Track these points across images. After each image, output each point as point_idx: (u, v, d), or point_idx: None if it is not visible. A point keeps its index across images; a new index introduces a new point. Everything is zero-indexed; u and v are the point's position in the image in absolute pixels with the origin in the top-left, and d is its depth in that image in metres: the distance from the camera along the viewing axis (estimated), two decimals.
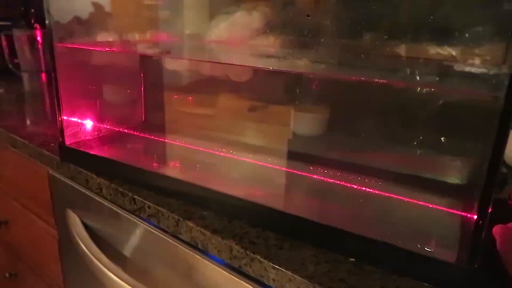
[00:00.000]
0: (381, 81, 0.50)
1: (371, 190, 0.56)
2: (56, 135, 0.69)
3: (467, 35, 0.46)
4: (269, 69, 0.66)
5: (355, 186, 0.57)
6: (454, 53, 0.48)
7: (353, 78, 0.53)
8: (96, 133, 0.72)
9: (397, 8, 0.51)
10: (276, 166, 0.67)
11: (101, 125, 0.73)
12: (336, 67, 0.57)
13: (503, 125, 0.34)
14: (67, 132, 0.68)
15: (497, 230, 0.38)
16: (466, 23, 0.45)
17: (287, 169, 0.66)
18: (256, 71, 0.72)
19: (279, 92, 0.75)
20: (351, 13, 0.55)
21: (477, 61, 0.46)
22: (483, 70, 0.46)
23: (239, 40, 0.72)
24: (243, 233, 0.48)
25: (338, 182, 0.59)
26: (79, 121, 0.71)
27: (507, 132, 0.34)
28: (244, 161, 0.69)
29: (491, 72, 0.45)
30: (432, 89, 0.55)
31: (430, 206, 0.52)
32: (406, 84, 0.52)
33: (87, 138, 0.70)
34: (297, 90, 0.73)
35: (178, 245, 0.54)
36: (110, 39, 0.78)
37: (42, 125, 0.89)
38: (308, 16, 0.54)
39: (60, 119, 0.66)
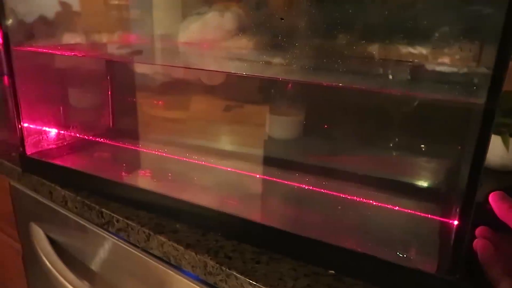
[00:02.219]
0: (355, 86, 0.49)
1: (349, 197, 0.55)
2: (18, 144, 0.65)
3: (437, 35, 0.45)
4: (242, 74, 0.63)
5: (333, 193, 0.56)
6: (425, 52, 0.47)
7: (327, 84, 0.51)
8: (60, 141, 0.68)
9: (370, 9, 0.50)
10: (252, 173, 0.65)
11: (66, 133, 0.69)
12: (310, 70, 0.56)
13: (485, 127, 0.33)
14: (28, 141, 0.63)
15: (478, 243, 0.37)
16: (436, 23, 0.44)
17: (262, 176, 0.64)
18: (229, 74, 0.70)
19: (254, 92, 0.73)
20: (324, 15, 0.53)
21: (447, 60, 0.46)
22: (455, 70, 0.46)
23: (211, 42, 0.70)
24: (218, 246, 0.46)
25: (315, 188, 0.57)
26: (42, 128, 0.67)
27: (489, 134, 0.33)
28: (219, 168, 0.67)
29: (462, 72, 0.45)
30: (407, 92, 0.54)
31: (409, 212, 0.51)
32: (380, 88, 0.51)
33: (51, 147, 0.66)
34: (272, 93, 0.71)
35: (149, 260, 0.51)
36: (77, 40, 0.74)
37: (3, 133, 0.84)
38: (282, 19, 0.52)
39: (19, 127, 0.62)
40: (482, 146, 0.33)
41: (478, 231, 0.39)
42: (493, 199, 0.38)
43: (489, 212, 0.38)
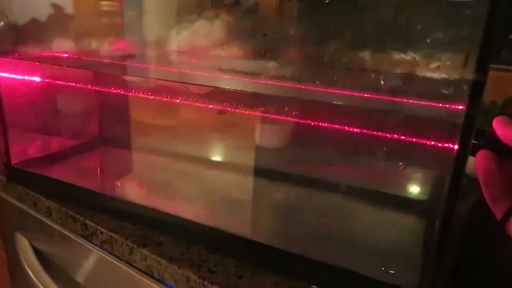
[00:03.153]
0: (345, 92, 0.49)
1: (337, 206, 0.55)
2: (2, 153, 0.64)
3: (427, 41, 0.45)
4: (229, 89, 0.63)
5: (320, 202, 0.56)
6: (417, 58, 0.47)
7: (316, 99, 0.51)
8: (46, 150, 0.67)
9: (361, 16, 0.50)
10: (239, 182, 0.64)
11: (52, 141, 0.68)
12: (300, 79, 0.56)
13: (465, 134, 0.32)
14: (13, 150, 0.63)
15: (479, 164, 0.35)
16: (423, 31, 0.45)
17: (250, 185, 0.64)
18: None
19: (243, 101, 0.72)
20: (316, 22, 0.54)
21: (436, 67, 0.46)
22: (445, 77, 0.46)
23: (201, 50, 0.69)
24: (201, 260, 0.45)
25: (301, 199, 0.57)
26: (28, 137, 0.66)
27: (468, 142, 0.33)
28: (207, 176, 0.66)
29: (451, 79, 0.45)
30: (395, 101, 0.54)
31: (395, 224, 0.51)
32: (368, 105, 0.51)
33: (36, 156, 0.66)
34: (261, 103, 0.71)
35: (133, 272, 0.50)
36: (68, 45, 0.73)
37: None
38: (265, 35, 0.52)
39: (4, 136, 0.61)
40: (463, 154, 0.33)
41: (480, 154, 0.37)
42: (497, 124, 0.36)
43: (491, 137, 0.37)
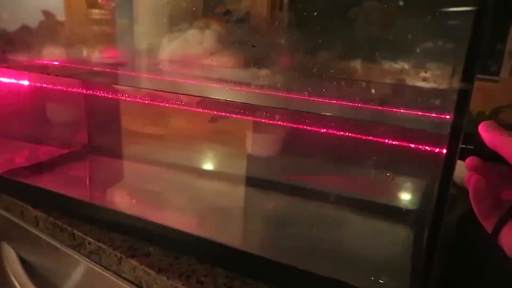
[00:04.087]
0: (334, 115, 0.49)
1: (327, 215, 0.55)
2: None
3: (417, 51, 0.46)
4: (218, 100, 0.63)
5: (309, 212, 0.56)
6: (406, 67, 0.48)
7: (306, 109, 0.51)
8: (33, 159, 0.67)
9: (351, 27, 0.51)
10: (229, 191, 0.64)
11: (40, 150, 0.68)
12: (290, 89, 0.56)
13: (452, 144, 0.33)
14: (0, 159, 0.62)
15: (469, 179, 0.36)
16: (413, 42, 0.45)
17: (240, 195, 0.64)
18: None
19: (234, 110, 0.72)
20: (305, 32, 0.54)
21: (424, 77, 0.46)
22: (433, 86, 0.46)
23: (192, 60, 0.69)
24: (190, 271, 0.45)
25: (292, 208, 0.57)
26: (15, 145, 0.65)
27: (455, 151, 0.33)
28: (196, 185, 0.66)
29: (440, 88, 0.46)
30: (384, 111, 0.55)
31: (385, 233, 0.51)
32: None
33: (23, 165, 0.65)
34: (252, 113, 0.71)
35: (122, 283, 0.50)
36: (58, 52, 0.73)
37: None
38: (254, 46, 0.52)
39: None
40: (449, 165, 0.33)
41: (468, 161, 0.37)
42: (483, 129, 0.37)
43: (478, 142, 0.37)
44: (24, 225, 0.61)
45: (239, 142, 0.71)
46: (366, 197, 0.57)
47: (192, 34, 0.70)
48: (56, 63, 0.70)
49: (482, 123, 0.36)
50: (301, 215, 0.56)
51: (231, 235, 0.52)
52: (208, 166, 0.73)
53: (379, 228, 0.52)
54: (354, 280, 0.40)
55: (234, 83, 0.61)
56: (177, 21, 0.72)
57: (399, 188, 0.58)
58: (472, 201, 0.35)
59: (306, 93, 0.53)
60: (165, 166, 0.70)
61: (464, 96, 0.31)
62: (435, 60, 0.46)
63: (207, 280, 0.43)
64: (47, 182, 0.63)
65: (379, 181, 0.59)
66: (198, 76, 0.68)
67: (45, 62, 0.70)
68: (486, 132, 0.35)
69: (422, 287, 0.36)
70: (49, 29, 0.72)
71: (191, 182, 0.67)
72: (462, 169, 0.36)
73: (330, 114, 0.47)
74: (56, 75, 0.63)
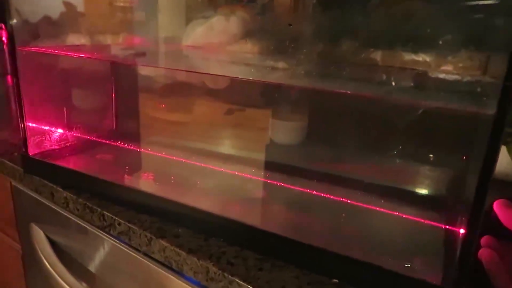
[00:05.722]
0: (359, 93, 0.49)
1: (353, 203, 0.54)
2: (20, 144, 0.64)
3: (441, 43, 0.45)
4: (246, 79, 0.63)
5: (336, 199, 0.55)
6: (429, 59, 0.47)
7: (330, 90, 0.51)
8: (63, 142, 0.68)
9: (375, 16, 0.50)
10: (255, 177, 0.64)
11: (69, 134, 0.69)
12: (314, 76, 0.55)
13: (494, 138, 0.32)
14: (31, 141, 0.63)
15: (483, 253, 0.37)
16: (442, 32, 0.44)
17: (266, 180, 0.64)
18: (234, 78, 0.69)
19: (258, 96, 0.72)
20: (329, 21, 0.53)
21: (451, 68, 0.45)
22: (460, 78, 0.45)
23: (216, 46, 0.69)
24: (220, 252, 0.45)
25: (319, 194, 0.57)
26: (45, 129, 0.66)
27: (498, 145, 0.32)
28: (222, 171, 0.66)
29: (467, 81, 0.45)
30: (411, 100, 0.54)
31: (414, 220, 0.50)
32: (383, 95, 0.51)
33: (54, 147, 0.66)
34: (276, 97, 0.71)
35: (150, 264, 0.51)
36: (82, 41, 0.74)
37: (6, 132, 0.84)
38: (290, 25, 0.52)
39: (22, 127, 0.61)
40: (492, 158, 0.32)
41: (483, 240, 0.39)
42: (498, 207, 0.37)
43: (493, 220, 0.38)
44: (53, 206, 0.63)
45: (262, 130, 0.72)
46: (395, 184, 0.56)
47: (217, 20, 0.70)
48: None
49: (497, 201, 0.37)
50: (329, 201, 0.56)
51: (259, 219, 0.53)
52: (231, 151, 0.73)
53: (410, 214, 0.51)
54: (386, 265, 0.39)
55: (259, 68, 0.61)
56: (201, 7, 0.72)
57: (428, 176, 0.57)
58: (489, 276, 0.36)
59: (330, 79, 0.52)
60: (190, 152, 0.71)
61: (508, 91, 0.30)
62: (468, 52, 0.45)
63: (237, 262, 0.44)
64: (76, 165, 0.64)
65: (408, 168, 0.58)
66: (223, 62, 0.68)
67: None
68: (501, 211, 0.36)
69: (458, 274, 0.36)
70: (71, 18, 0.72)
71: (215, 166, 0.67)
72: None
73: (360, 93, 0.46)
74: (87, 57, 0.64)
